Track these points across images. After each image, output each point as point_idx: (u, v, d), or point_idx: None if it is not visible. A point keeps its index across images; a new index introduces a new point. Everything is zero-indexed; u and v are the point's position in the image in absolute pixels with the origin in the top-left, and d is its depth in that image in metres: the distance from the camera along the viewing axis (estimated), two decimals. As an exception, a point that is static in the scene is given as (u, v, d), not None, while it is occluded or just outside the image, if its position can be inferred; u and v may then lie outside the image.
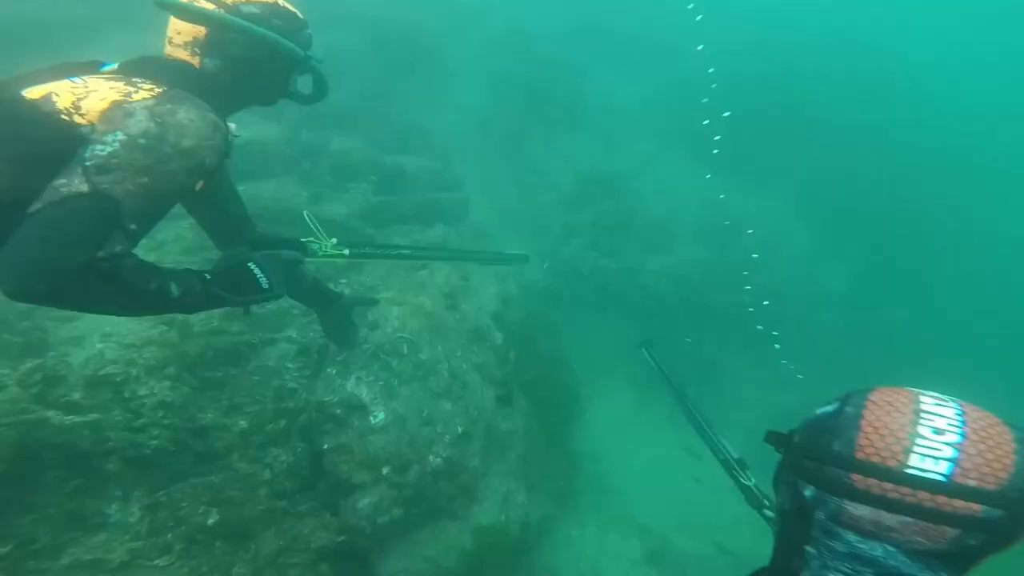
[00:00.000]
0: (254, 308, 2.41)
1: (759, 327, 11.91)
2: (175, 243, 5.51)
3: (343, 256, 3.07)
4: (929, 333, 13.97)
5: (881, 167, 16.00)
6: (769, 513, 1.95)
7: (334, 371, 4.48)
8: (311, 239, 2.98)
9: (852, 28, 21.03)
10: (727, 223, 13.96)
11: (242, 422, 3.89)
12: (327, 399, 4.26)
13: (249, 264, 2.21)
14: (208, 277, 2.11)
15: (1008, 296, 15.61)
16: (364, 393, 4.41)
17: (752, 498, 2.23)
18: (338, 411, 4.25)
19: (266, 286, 2.25)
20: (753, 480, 2.29)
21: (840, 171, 15.74)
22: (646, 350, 3.92)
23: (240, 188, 2.78)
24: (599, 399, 11.05)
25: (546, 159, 15.46)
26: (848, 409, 1.08)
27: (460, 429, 5.05)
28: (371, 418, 4.33)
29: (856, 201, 15.37)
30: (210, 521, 3.42)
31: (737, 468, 2.42)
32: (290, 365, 4.44)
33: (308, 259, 2.79)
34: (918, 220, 15.66)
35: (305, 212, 3.15)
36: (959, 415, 0.98)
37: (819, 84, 17.06)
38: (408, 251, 4.62)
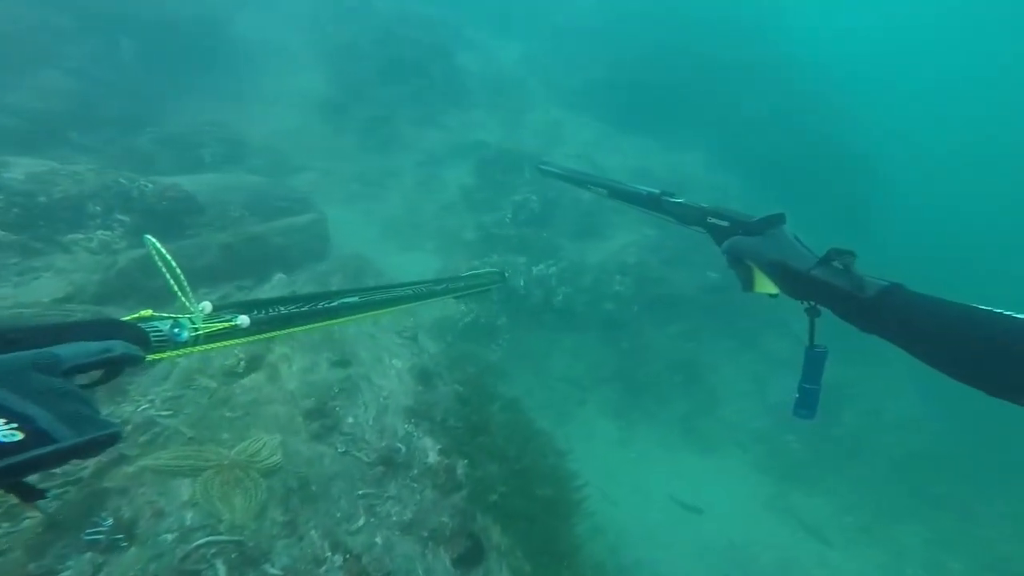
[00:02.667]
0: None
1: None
2: None
3: (235, 334, 1.38)
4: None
5: (781, 99, 14.82)
6: (714, 221, 1.87)
7: None
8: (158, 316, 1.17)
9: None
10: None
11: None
12: None
13: None
14: None
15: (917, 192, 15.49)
16: None
17: (690, 213, 1.99)
18: None
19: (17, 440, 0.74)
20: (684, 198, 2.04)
21: (746, 109, 14.20)
22: (541, 168, 3.16)
23: None
24: (581, 443, 8.47)
25: (430, 147, 11.79)
26: None
27: None
28: None
29: (771, 137, 13.93)
30: None
31: (667, 195, 2.12)
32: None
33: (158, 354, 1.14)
34: (828, 144, 14.78)
35: (152, 239, 1.25)
36: None
37: (706, 23, 15.42)
38: (353, 300, 1.99)
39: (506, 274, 3.89)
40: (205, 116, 9.14)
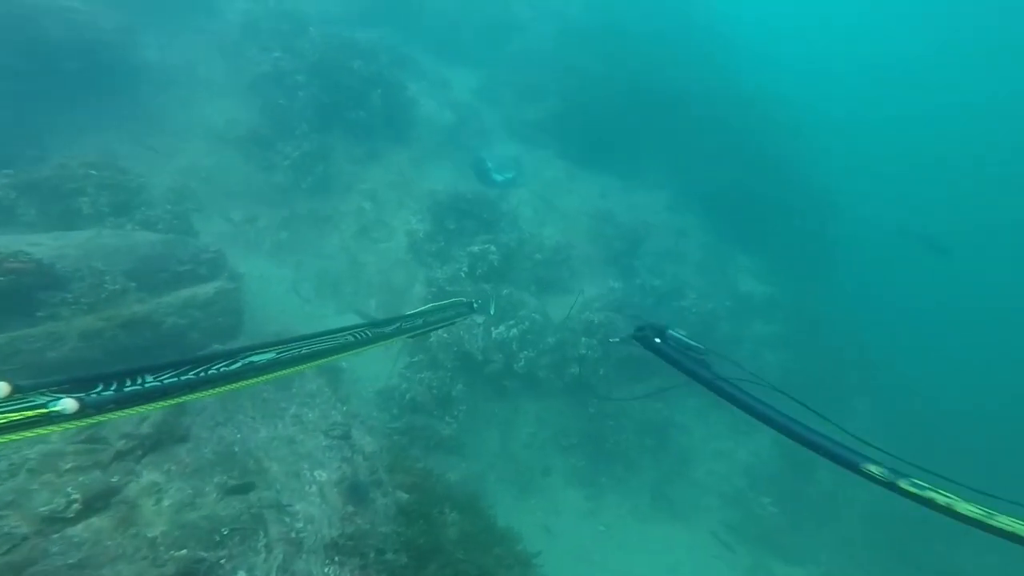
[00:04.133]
0: None
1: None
2: None
3: (50, 421, 1.13)
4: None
5: (741, 133, 14.59)
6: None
7: None
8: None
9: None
10: (619, 245, 10.87)
11: None
12: None
13: None
14: None
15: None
16: None
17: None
18: None
19: None
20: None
21: (707, 143, 13.86)
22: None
23: None
24: (548, 517, 7.84)
25: (373, 189, 10.51)
26: None
27: None
28: None
29: (731, 171, 13.62)
30: None
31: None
32: None
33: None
34: (789, 179, 14.70)
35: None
36: None
37: (664, 52, 15.08)
38: (266, 358, 1.72)
39: (475, 304, 3.35)
40: (89, 154, 7.49)
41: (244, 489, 4.44)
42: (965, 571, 10.02)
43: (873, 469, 1.87)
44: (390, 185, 10.47)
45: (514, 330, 8.88)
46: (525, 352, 8.85)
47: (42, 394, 1.14)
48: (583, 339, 9.12)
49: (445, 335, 8.41)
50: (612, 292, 10.19)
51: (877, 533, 10.31)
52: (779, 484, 10.38)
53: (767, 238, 13.69)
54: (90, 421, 1.17)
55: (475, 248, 9.23)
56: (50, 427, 1.11)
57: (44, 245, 5.81)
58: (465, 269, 9.11)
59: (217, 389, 1.41)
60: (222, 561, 3.79)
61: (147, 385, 1.30)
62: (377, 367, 8.23)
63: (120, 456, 3.91)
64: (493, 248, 9.24)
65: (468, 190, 10.23)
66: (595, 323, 9.38)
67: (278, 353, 1.65)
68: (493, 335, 8.77)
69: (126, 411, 1.26)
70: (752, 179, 13.73)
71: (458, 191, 9.99)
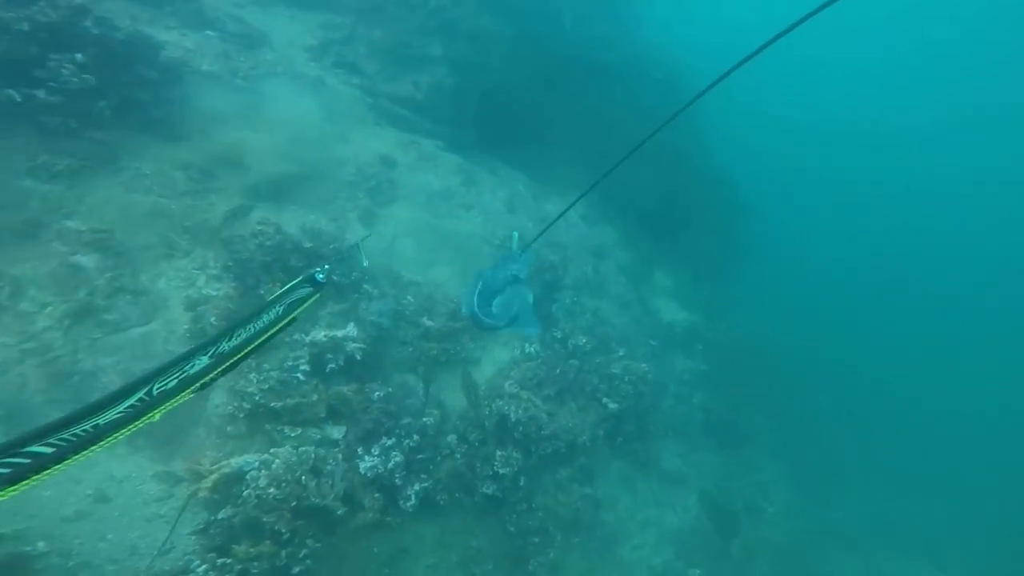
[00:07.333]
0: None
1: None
2: None
3: None
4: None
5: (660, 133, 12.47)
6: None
7: None
8: None
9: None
10: (532, 298, 8.26)
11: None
12: None
13: None
14: None
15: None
16: None
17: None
18: None
19: None
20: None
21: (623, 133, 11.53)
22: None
23: None
24: None
25: (114, 219, 6.27)
26: None
27: None
28: None
29: (650, 172, 11.57)
30: None
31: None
32: None
33: None
34: (704, 181, 13.15)
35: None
36: None
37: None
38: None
39: (319, 276, 2.43)
40: None
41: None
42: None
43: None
44: (141, 215, 6.26)
45: (396, 455, 5.99)
46: (416, 485, 6.08)
47: None
48: (498, 453, 6.56)
49: (273, 490, 5.24)
50: (529, 360, 7.67)
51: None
52: (705, 548, 9.44)
53: (683, 248, 12.15)
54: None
55: (320, 335, 5.91)
56: None
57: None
58: (304, 367, 5.80)
59: None
60: None
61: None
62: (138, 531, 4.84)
63: None
64: (353, 331, 6.00)
65: (309, 224, 6.57)
66: (512, 421, 6.86)
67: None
68: (361, 470, 5.80)
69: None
70: (671, 179, 11.83)
71: (280, 224, 6.28)
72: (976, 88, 35.70)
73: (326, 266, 2.56)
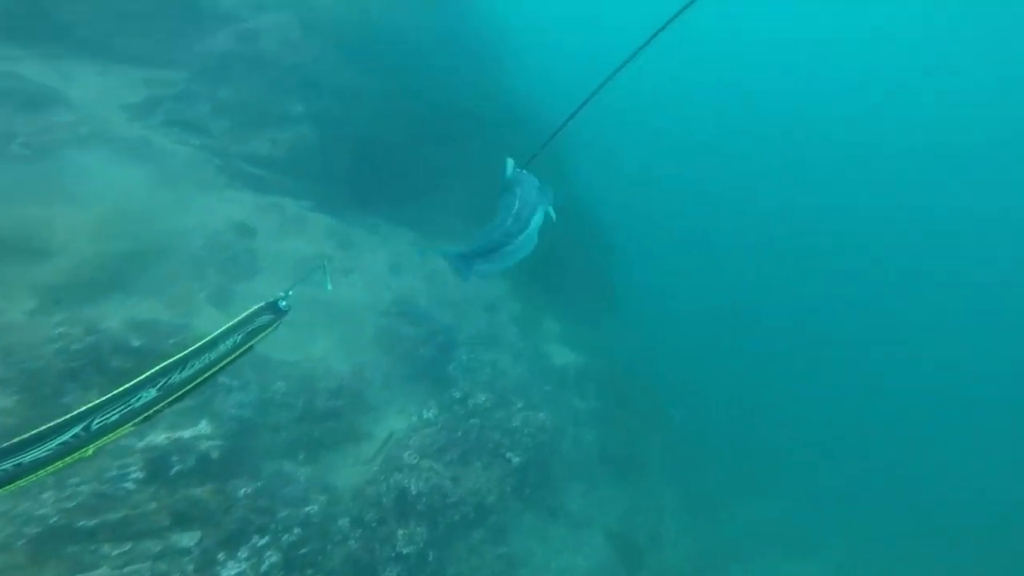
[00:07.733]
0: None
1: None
2: None
3: None
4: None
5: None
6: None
7: None
8: None
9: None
10: (426, 351, 7.99)
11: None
12: None
13: None
14: None
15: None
16: None
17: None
18: None
19: None
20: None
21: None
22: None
23: None
24: None
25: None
26: None
27: None
28: None
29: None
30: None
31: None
32: None
33: None
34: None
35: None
36: None
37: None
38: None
39: (281, 303, 2.49)
40: None
41: None
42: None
43: None
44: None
45: (271, 555, 5.17)
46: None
47: None
48: (400, 532, 6.00)
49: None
50: (428, 426, 7.27)
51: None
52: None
53: (567, 291, 12.73)
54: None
55: (160, 437, 5.03)
56: None
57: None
58: (136, 475, 4.85)
59: None
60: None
61: None
62: None
63: None
64: (205, 428, 5.21)
65: (140, 316, 5.65)
66: (413, 494, 6.35)
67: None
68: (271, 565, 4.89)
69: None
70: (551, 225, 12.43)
71: (101, 324, 5.35)
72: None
73: (290, 292, 2.58)
